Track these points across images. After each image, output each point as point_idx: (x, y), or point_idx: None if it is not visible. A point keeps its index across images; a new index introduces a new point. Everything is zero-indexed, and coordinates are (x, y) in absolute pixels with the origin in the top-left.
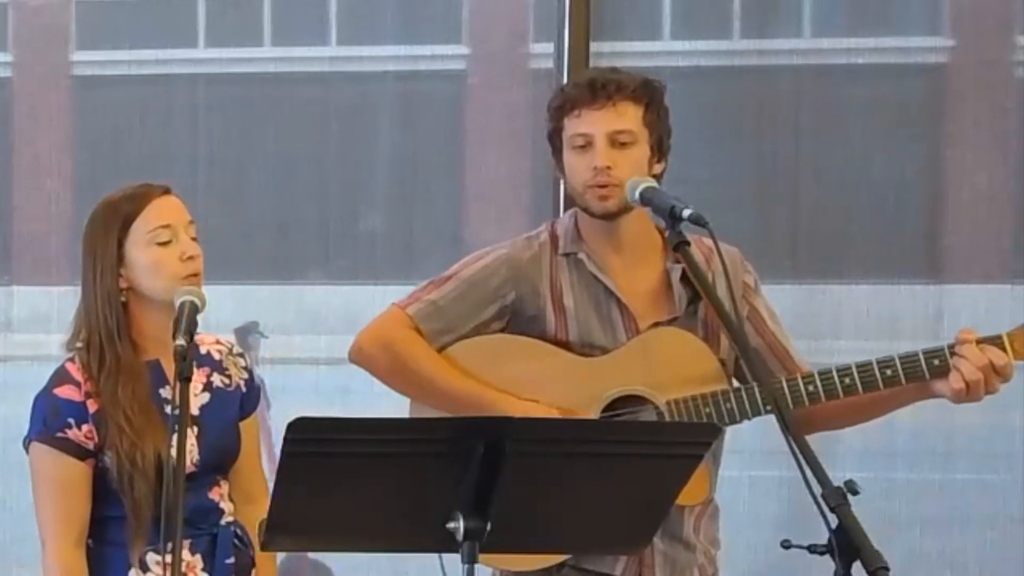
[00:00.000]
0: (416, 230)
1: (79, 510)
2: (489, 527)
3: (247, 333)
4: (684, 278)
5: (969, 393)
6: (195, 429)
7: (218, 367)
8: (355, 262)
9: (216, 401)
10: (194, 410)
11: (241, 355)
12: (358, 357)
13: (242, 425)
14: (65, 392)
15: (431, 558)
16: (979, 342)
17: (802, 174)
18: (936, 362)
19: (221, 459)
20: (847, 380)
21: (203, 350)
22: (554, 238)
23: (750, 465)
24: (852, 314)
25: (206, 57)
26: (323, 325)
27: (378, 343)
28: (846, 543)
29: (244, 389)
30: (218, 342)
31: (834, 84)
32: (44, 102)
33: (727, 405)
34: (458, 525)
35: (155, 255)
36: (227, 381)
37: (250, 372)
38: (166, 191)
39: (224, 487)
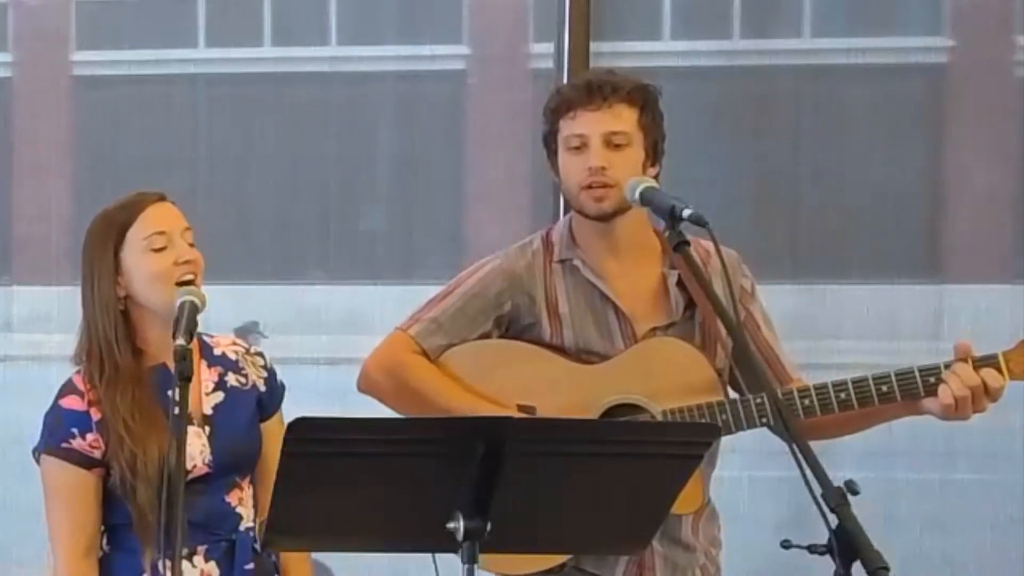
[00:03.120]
0: (416, 230)
1: (87, 519)
2: (489, 527)
3: (247, 333)
4: (681, 283)
5: (957, 410)
6: (206, 429)
7: (234, 367)
8: (355, 262)
9: (230, 400)
10: (206, 410)
11: (260, 354)
12: (365, 385)
13: (266, 426)
14: (69, 403)
15: (432, 558)
16: (975, 361)
17: (802, 174)
18: (932, 379)
19: (237, 460)
20: (843, 395)
21: (218, 351)
22: (548, 245)
23: (750, 465)
24: (852, 314)
25: (206, 57)
26: (323, 325)
27: (383, 370)
28: (846, 543)
29: (263, 388)
30: (234, 343)
31: (834, 84)
32: (44, 102)
33: (723, 416)
34: (458, 525)
35: (150, 261)
36: (243, 380)
37: (270, 371)
38: (161, 198)
39: (245, 491)
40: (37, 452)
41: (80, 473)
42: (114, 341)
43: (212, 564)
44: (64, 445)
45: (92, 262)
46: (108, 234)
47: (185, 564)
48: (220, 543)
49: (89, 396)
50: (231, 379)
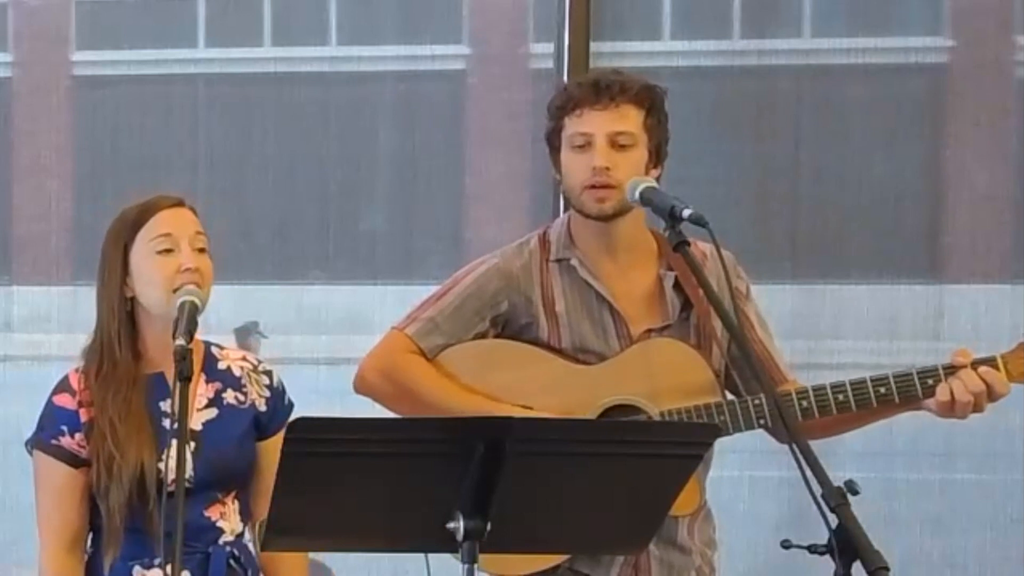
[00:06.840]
0: (416, 230)
1: (72, 516)
2: (489, 527)
3: (247, 333)
4: (677, 285)
5: (954, 410)
6: (192, 445)
7: (235, 384)
8: (355, 262)
9: (223, 418)
10: (195, 425)
11: (268, 373)
12: (362, 387)
13: (265, 444)
14: (61, 400)
15: (433, 558)
16: (974, 364)
17: (802, 174)
18: (930, 382)
19: (221, 477)
20: (840, 396)
21: (223, 365)
22: (545, 244)
23: (750, 465)
24: (852, 314)
25: (206, 57)
26: (323, 325)
27: (380, 372)
28: (846, 543)
29: (263, 407)
30: (244, 358)
31: (834, 84)
32: (44, 102)
33: (721, 417)
34: (458, 525)
35: (154, 264)
36: (241, 399)
37: (275, 391)
38: (178, 203)
39: (228, 506)
40: (29, 445)
41: (67, 471)
42: (116, 340)
43: (186, 574)
44: (54, 442)
45: (105, 259)
46: (121, 233)
47: (157, 572)
48: (195, 555)
49: (81, 396)
50: (228, 396)
